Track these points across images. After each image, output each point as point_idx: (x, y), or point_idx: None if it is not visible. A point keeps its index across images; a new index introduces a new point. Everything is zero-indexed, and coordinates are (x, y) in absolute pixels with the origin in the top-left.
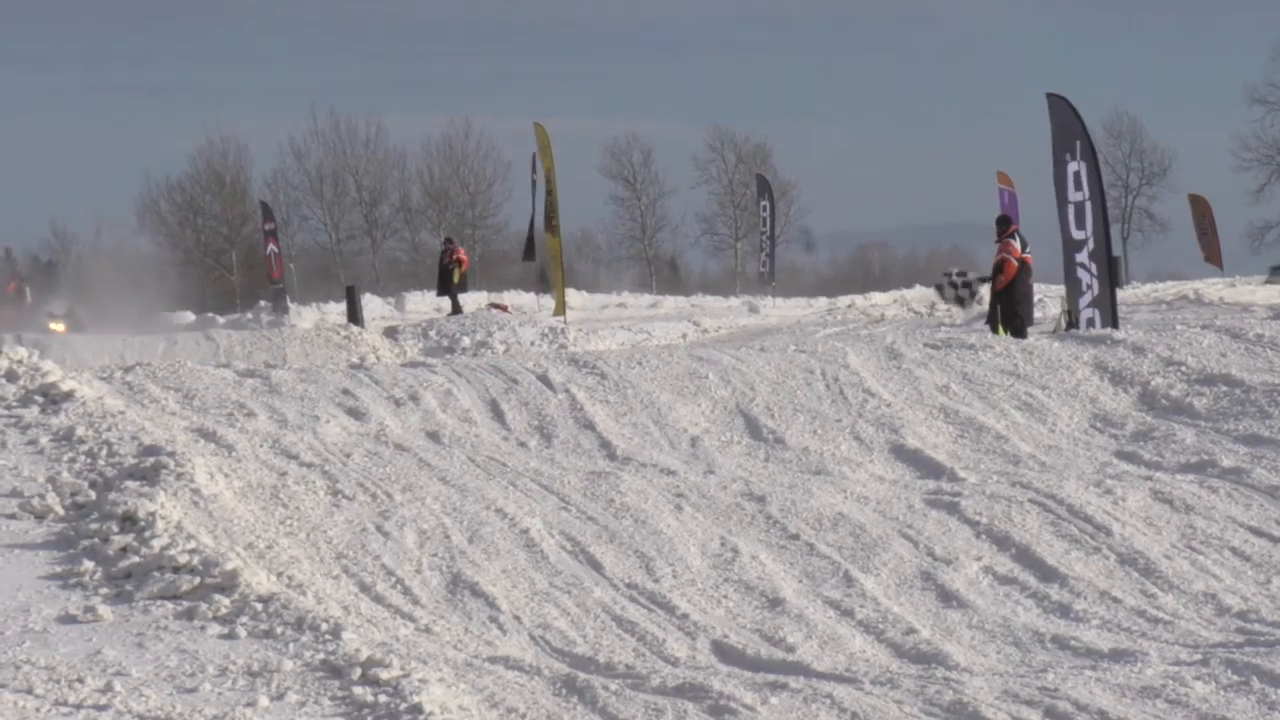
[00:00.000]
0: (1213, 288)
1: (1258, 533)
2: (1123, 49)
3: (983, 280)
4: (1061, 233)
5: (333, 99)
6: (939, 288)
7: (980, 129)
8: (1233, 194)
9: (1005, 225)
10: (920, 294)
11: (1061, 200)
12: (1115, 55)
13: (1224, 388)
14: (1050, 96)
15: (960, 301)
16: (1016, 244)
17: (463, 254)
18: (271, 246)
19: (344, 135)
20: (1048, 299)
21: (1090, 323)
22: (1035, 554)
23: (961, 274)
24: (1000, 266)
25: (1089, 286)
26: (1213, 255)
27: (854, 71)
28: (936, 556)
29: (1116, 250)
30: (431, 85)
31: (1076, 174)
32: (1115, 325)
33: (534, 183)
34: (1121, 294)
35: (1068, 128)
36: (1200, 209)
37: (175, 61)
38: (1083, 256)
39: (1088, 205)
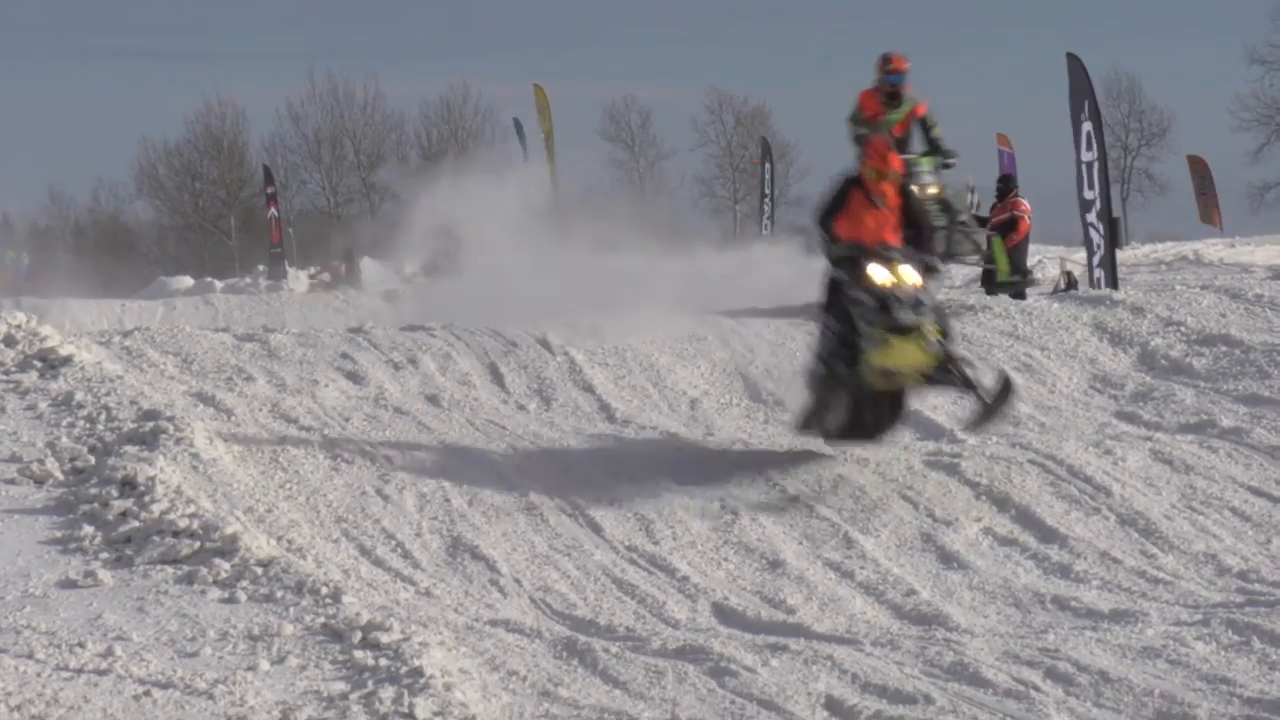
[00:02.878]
0: (1212, 248)
1: (1258, 493)
2: (1121, 7)
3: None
4: (1077, 192)
5: (330, 62)
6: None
7: (978, 89)
8: (1231, 154)
9: (1009, 184)
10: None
11: (1077, 159)
12: (1113, 14)
13: (1223, 348)
14: (1069, 56)
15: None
16: (1026, 202)
17: None
18: (272, 210)
19: (342, 99)
20: (1046, 260)
21: (1098, 282)
22: (1035, 515)
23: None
24: (1014, 224)
25: (1099, 246)
26: (1211, 216)
27: (851, 31)
28: (936, 518)
29: (1116, 211)
30: (429, 49)
31: (1088, 134)
32: (1115, 286)
33: (522, 147)
34: (1121, 255)
35: (1080, 87)
36: (1199, 170)
37: (171, 25)
38: (1092, 216)
39: (1095, 165)
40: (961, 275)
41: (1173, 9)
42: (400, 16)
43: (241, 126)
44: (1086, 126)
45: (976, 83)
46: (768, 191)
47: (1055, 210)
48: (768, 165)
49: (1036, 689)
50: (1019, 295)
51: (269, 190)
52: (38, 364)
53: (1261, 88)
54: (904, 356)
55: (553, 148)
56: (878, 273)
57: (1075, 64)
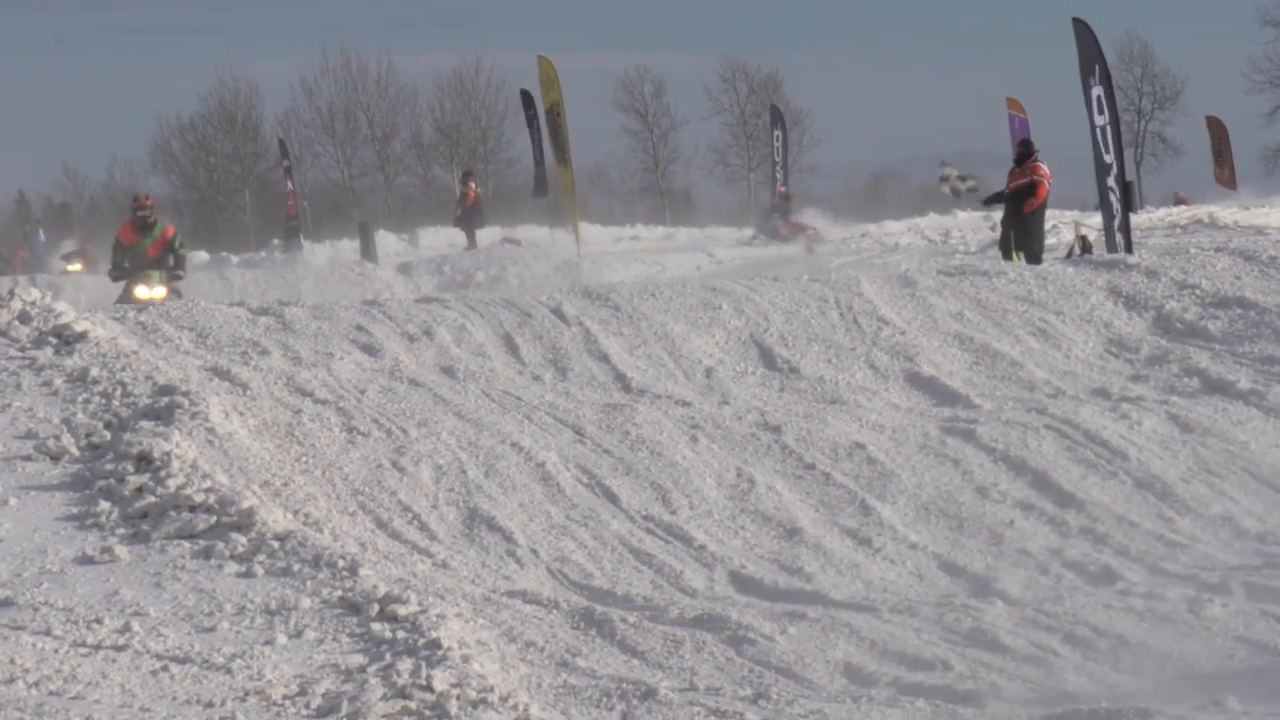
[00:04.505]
0: (1227, 211)
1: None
2: None
3: (972, 188)
4: (1094, 157)
5: (343, 36)
6: (944, 181)
7: (989, 55)
8: (1245, 117)
9: (1029, 149)
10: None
11: (1091, 125)
12: None
13: (1239, 310)
14: (1075, 21)
15: (956, 193)
16: (1045, 167)
17: (472, 190)
18: (288, 184)
19: (355, 73)
20: (1061, 224)
21: (1119, 246)
22: (1052, 479)
23: (962, 177)
24: (1034, 189)
25: (1117, 210)
26: (1227, 179)
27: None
28: (953, 484)
29: (1130, 175)
30: (441, 21)
31: (1099, 98)
32: (1130, 250)
33: (530, 119)
34: (1136, 218)
35: (1089, 52)
36: (1217, 131)
37: (184, 1)
38: (1110, 180)
39: (1108, 130)
40: (976, 241)
41: None
42: None
43: (255, 101)
44: (1097, 91)
45: (985, 46)
46: (779, 160)
47: (1070, 174)
48: (778, 133)
49: (1055, 654)
50: (1034, 259)
51: (285, 164)
52: (53, 340)
53: (1275, 50)
54: None
55: (561, 120)
56: None
57: (1082, 29)
